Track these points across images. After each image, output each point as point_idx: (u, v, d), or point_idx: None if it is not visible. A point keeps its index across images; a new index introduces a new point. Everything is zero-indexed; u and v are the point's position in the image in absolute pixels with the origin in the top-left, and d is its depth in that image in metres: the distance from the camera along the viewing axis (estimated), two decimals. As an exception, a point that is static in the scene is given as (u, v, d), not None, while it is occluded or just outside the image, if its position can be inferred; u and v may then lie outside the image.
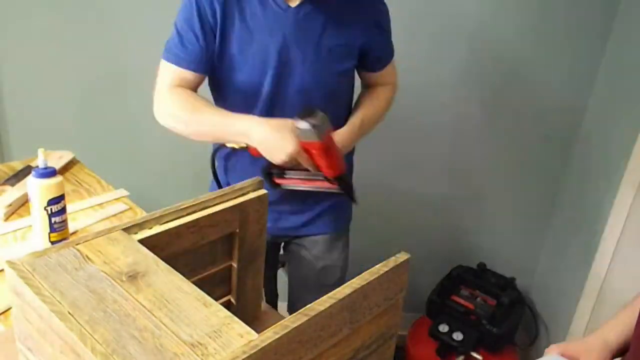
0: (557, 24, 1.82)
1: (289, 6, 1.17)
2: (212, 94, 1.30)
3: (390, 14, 1.30)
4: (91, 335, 0.55)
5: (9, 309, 0.93)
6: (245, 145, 1.18)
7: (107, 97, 1.95)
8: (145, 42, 1.88)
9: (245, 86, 1.23)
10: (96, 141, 1.99)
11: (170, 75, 1.21)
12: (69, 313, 0.57)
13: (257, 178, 0.90)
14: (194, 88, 1.25)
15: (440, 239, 2.16)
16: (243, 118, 1.14)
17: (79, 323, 0.56)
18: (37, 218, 1.07)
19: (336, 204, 1.40)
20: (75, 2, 1.82)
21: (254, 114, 1.18)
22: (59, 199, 1.07)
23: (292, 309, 1.55)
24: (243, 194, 0.86)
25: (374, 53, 1.30)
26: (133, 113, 1.98)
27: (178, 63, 1.20)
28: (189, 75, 1.21)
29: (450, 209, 2.12)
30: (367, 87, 1.39)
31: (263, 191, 0.88)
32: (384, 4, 1.28)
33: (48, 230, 1.08)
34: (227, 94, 1.27)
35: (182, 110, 1.19)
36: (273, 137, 1.09)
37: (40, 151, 1.06)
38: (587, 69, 1.87)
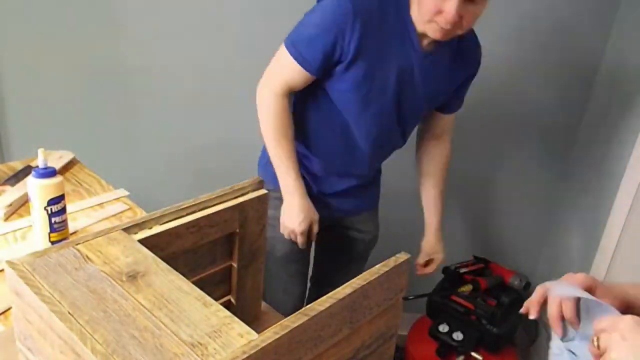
0: (557, 22, 1.82)
1: (421, 47, 1.25)
2: (298, 94, 1.34)
3: None
4: (91, 335, 0.55)
5: (9, 309, 0.93)
6: None
7: (107, 97, 1.95)
8: (146, 42, 1.88)
9: (346, 109, 1.32)
10: (96, 141, 1.99)
11: (289, 73, 1.26)
12: (69, 313, 0.57)
13: (257, 178, 0.90)
14: (301, 87, 1.30)
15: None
16: (289, 181, 1.32)
17: (79, 323, 0.56)
18: (37, 218, 1.07)
19: (372, 183, 1.57)
20: (75, 2, 1.82)
21: (334, 128, 1.35)
22: (59, 199, 1.07)
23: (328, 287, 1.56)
24: (243, 194, 0.86)
25: (452, 99, 1.43)
26: (133, 113, 1.98)
27: (301, 63, 1.23)
28: (302, 74, 1.25)
29: (451, 209, 2.12)
30: (426, 127, 1.52)
31: (263, 191, 0.88)
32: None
33: (48, 230, 1.08)
34: (323, 105, 1.34)
35: (270, 126, 1.30)
36: (290, 211, 1.34)
37: (40, 151, 1.06)
38: (586, 70, 1.87)
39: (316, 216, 1.36)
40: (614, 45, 1.79)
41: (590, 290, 0.77)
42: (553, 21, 1.81)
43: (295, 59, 1.23)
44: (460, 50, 1.32)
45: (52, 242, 1.09)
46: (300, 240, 1.36)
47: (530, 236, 2.16)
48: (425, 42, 1.25)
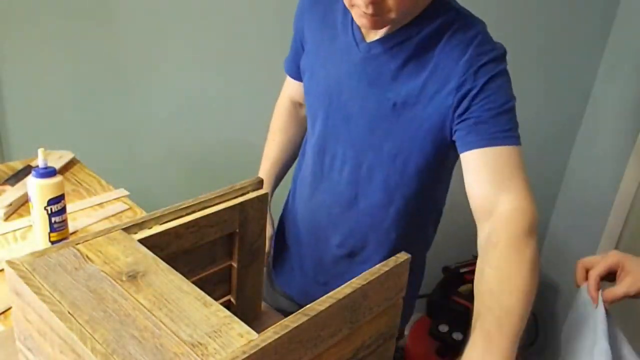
0: (557, 22, 1.82)
1: (363, 39, 0.97)
2: None
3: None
4: (91, 335, 0.55)
5: (9, 309, 0.93)
6: None
7: (107, 97, 1.95)
8: (146, 43, 1.88)
9: (309, 115, 1.10)
10: (96, 141, 1.99)
11: (285, 82, 1.26)
12: (69, 313, 0.57)
13: (257, 177, 0.90)
14: (300, 97, 1.18)
15: (440, 239, 2.16)
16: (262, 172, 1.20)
17: (79, 323, 0.56)
18: (37, 218, 1.07)
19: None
20: (75, 2, 1.82)
21: (311, 144, 1.08)
22: (59, 198, 1.07)
23: None
24: (243, 194, 0.86)
25: (461, 125, 0.91)
26: (133, 113, 1.98)
27: (285, 69, 1.22)
28: (290, 81, 1.22)
29: (451, 209, 2.11)
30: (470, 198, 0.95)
31: (263, 191, 0.88)
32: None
33: (48, 230, 1.08)
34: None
35: (271, 126, 1.27)
36: None
37: (40, 151, 1.06)
38: (586, 69, 1.87)
39: (268, 233, 1.08)
40: (614, 44, 1.79)
41: (618, 265, 0.83)
42: (553, 21, 1.81)
43: (285, 63, 1.22)
44: (426, 48, 0.93)
45: (52, 242, 1.09)
46: None
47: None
48: (368, 34, 0.97)
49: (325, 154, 1.05)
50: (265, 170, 1.24)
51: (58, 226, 1.08)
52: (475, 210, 0.96)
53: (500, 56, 0.91)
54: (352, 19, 0.96)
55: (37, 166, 1.06)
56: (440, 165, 1.01)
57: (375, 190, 1.01)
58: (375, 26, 0.90)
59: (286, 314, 1.20)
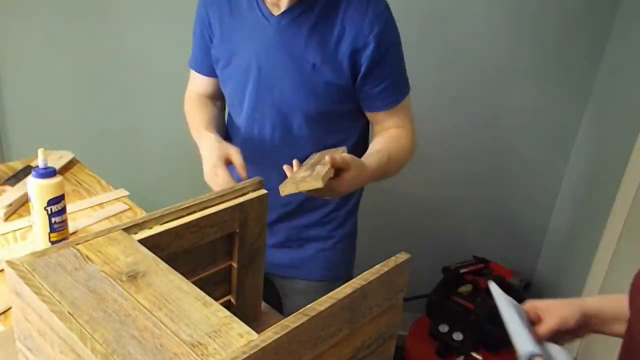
0: (557, 22, 1.82)
1: (272, 14, 1.10)
2: None
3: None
4: (91, 335, 0.55)
5: (9, 309, 0.93)
6: None
7: (107, 97, 1.95)
8: (146, 43, 1.88)
9: (231, 99, 1.23)
10: (96, 141, 1.99)
11: (190, 79, 1.32)
12: (69, 313, 0.57)
13: (257, 178, 0.90)
14: (210, 92, 1.30)
15: (440, 239, 2.17)
16: (202, 139, 1.17)
17: (79, 323, 0.56)
18: (37, 218, 1.07)
19: (334, 245, 1.28)
20: (75, 2, 1.82)
21: (239, 127, 1.21)
22: (59, 199, 1.07)
23: None
24: (243, 194, 0.86)
25: (364, 90, 1.12)
26: (133, 113, 1.98)
27: (191, 66, 1.29)
28: (198, 77, 1.29)
29: (451, 209, 2.12)
30: (376, 133, 1.20)
31: (263, 191, 0.88)
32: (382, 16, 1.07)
33: (48, 230, 1.08)
34: (226, 104, 1.29)
35: (187, 116, 1.29)
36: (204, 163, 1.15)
37: (40, 151, 1.06)
38: (586, 69, 1.87)
39: (231, 149, 1.09)
40: (614, 44, 1.79)
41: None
42: (553, 21, 1.81)
43: (190, 60, 1.29)
44: (330, 20, 1.06)
45: (52, 242, 1.09)
46: (221, 180, 1.07)
47: (530, 236, 2.16)
48: (274, 9, 1.09)
49: (254, 128, 1.17)
50: (203, 127, 1.20)
51: (58, 226, 1.08)
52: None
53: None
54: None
55: (37, 166, 1.06)
56: (357, 110, 1.18)
57: (306, 146, 1.16)
58: None
59: None
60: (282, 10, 1.08)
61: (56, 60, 1.90)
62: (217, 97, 1.31)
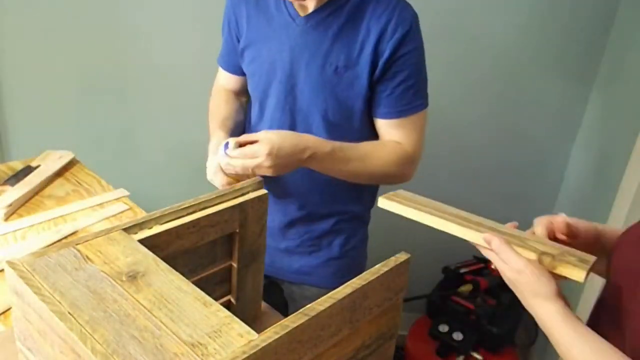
0: (556, 22, 1.82)
1: (299, 15, 1.10)
2: None
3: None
4: (91, 335, 0.55)
5: (9, 309, 0.93)
6: None
7: (107, 97, 1.95)
8: (146, 42, 1.88)
9: (254, 96, 1.22)
10: (96, 141, 1.99)
11: (218, 74, 1.35)
12: (69, 313, 0.57)
13: (257, 178, 0.90)
14: (236, 88, 1.32)
15: (440, 239, 2.16)
16: (213, 136, 1.19)
17: (79, 323, 0.56)
18: None
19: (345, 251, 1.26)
20: (75, 2, 1.82)
21: (260, 125, 1.20)
22: None
23: None
24: (243, 194, 0.86)
25: (379, 94, 1.10)
26: (133, 113, 1.98)
27: (219, 62, 1.32)
28: (224, 74, 1.32)
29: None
30: None
31: (263, 191, 0.88)
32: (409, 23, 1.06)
33: None
34: (252, 103, 1.27)
35: (209, 109, 1.31)
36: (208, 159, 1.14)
37: None
38: (586, 69, 1.87)
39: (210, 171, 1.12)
40: (614, 44, 1.79)
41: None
42: (553, 21, 1.81)
43: (219, 57, 1.32)
44: (358, 19, 1.07)
45: None
46: (219, 181, 1.08)
47: (530, 236, 2.15)
48: (301, 10, 1.10)
49: (274, 127, 1.16)
50: (217, 126, 1.21)
51: None
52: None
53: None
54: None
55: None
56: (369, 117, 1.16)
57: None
58: None
59: None
60: (310, 11, 1.08)
61: (56, 60, 1.89)
62: (242, 93, 1.32)
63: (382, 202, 0.91)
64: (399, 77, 1.08)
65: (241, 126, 1.29)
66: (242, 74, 1.27)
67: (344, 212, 1.24)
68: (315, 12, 1.08)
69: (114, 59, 1.90)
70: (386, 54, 1.06)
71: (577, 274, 0.73)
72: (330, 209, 1.22)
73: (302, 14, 1.09)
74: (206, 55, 1.89)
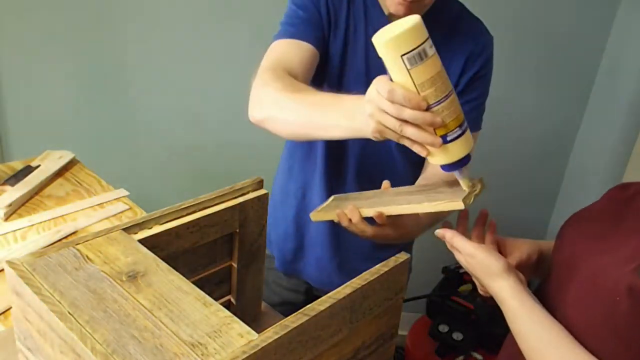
0: (557, 22, 1.82)
1: (389, 22, 0.97)
2: None
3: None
4: (91, 335, 0.55)
5: (9, 309, 0.93)
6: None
7: (107, 97, 1.95)
8: (146, 42, 1.88)
9: None
10: (96, 141, 1.99)
11: (273, 53, 1.03)
12: (69, 313, 0.57)
13: (258, 178, 0.90)
14: (304, 69, 1.02)
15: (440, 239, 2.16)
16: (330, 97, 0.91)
17: (79, 323, 0.56)
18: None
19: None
20: (75, 2, 1.82)
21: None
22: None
23: None
24: (243, 194, 0.86)
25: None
26: (133, 113, 1.98)
27: (287, 35, 1.04)
28: (295, 47, 1.02)
29: (450, 209, 2.11)
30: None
31: (263, 191, 0.88)
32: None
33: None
34: None
35: (281, 91, 0.92)
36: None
37: None
38: (586, 70, 1.87)
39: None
40: (614, 44, 1.79)
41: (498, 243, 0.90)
42: (553, 21, 1.81)
43: (284, 32, 1.06)
44: (454, 34, 1.07)
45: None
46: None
47: (529, 236, 2.15)
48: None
49: (347, 139, 1.03)
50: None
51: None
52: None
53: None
54: (364, 10, 1.05)
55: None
56: None
57: (399, 165, 1.12)
58: (409, 13, 0.93)
59: (291, 305, 1.22)
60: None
61: (56, 60, 1.89)
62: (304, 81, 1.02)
63: (314, 216, 0.95)
64: (473, 94, 1.10)
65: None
66: (324, 49, 1.07)
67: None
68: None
69: (114, 58, 1.90)
70: (472, 71, 1.08)
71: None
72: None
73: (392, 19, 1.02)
74: (207, 55, 1.90)
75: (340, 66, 1.10)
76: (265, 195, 0.88)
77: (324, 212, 0.95)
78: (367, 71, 1.08)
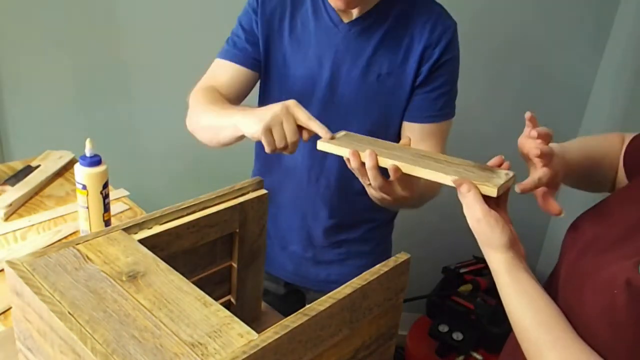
0: (557, 22, 1.82)
1: (341, 21, 1.07)
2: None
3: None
4: (91, 335, 0.55)
5: (9, 309, 0.93)
6: None
7: (107, 97, 1.95)
8: (146, 43, 1.88)
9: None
10: (96, 141, 1.98)
11: (210, 73, 1.16)
12: (69, 313, 0.57)
13: (258, 178, 0.90)
14: (236, 90, 1.13)
15: (440, 239, 2.16)
16: (232, 111, 0.99)
17: (79, 323, 0.56)
18: (92, 203, 1.13)
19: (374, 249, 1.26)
20: (75, 2, 1.82)
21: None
22: (107, 182, 1.15)
23: None
24: (243, 194, 0.86)
25: (418, 100, 1.09)
26: (133, 113, 1.98)
27: (221, 56, 1.14)
28: (228, 67, 1.12)
29: (451, 209, 2.11)
30: None
31: (263, 191, 0.88)
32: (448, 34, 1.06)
33: (102, 211, 1.14)
34: None
35: (198, 105, 1.07)
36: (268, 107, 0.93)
37: (88, 141, 1.14)
38: (586, 70, 1.87)
39: (290, 102, 0.91)
40: (614, 44, 1.79)
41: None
42: (553, 20, 1.81)
43: (223, 53, 1.15)
44: (409, 23, 1.06)
45: (106, 221, 1.15)
46: (283, 143, 0.89)
47: (530, 235, 2.15)
48: (344, 16, 1.06)
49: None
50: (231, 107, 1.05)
51: (107, 207, 1.16)
52: None
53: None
54: (325, 4, 1.07)
55: (85, 155, 1.13)
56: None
57: None
58: (349, 6, 1.01)
59: (273, 296, 1.24)
60: (353, 18, 1.06)
61: (56, 60, 1.89)
62: (235, 99, 1.14)
63: (321, 145, 0.89)
64: (437, 82, 1.08)
65: None
66: (257, 69, 1.14)
67: (372, 219, 1.23)
68: (359, 18, 1.06)
69: (113, 58, 1.90)
70: (432, 60, 1.06)
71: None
72: (359, 217, 1.21)
73: (345, 20, 1.07)
74: (207, 54, 1.89)
75: (290, 66, 1.11)
76: (265, 195, 0.88)
77: (332, 144, 0.88)
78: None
